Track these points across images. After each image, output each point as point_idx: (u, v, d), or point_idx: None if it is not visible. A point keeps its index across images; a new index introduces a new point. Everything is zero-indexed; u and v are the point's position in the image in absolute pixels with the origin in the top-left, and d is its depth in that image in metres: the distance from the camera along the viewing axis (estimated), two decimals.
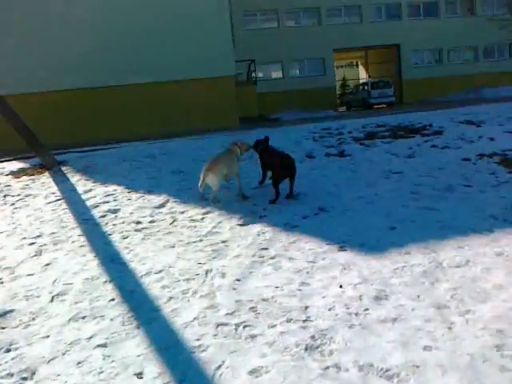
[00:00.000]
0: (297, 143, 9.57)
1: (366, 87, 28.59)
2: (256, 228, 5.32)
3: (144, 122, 16.47)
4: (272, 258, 4.57)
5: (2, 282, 4.30)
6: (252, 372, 2.92)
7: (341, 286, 3.93)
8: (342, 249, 4.68)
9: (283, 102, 27.39)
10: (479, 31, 30.74)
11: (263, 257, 4.60)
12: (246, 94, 20.78)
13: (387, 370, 2.84)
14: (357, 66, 40.73)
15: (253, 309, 3.66)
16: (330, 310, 3.58)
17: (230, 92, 17.96)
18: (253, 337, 3.30)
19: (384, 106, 27.10)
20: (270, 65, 30.33)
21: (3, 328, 3.59)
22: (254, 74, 24.73)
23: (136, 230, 5.44)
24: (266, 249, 4.78)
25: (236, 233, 5.24)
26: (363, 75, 37.47)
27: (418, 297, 3.68)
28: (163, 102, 16.90)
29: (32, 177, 7.87)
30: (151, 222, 5.70)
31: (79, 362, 3.10)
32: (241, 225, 5.43)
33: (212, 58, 17.25)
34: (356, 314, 3.49)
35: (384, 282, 3.95)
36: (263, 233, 5.20)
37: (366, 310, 3.54)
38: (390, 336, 3.19)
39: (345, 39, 30.87)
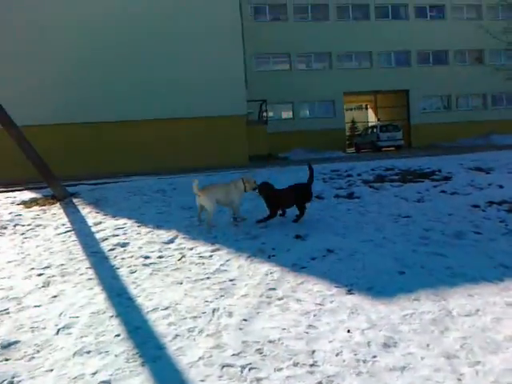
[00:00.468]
0: None
1: (375, 130, 28.95)
2: (264, 267, 5.30)
3: (155, 158, 16.75)
4: (279, 298, 4.54)
5: (9, 313, 4.29)
6: None
7: (348, 331, 3.88)
8: (350, 292, 4.64)
9: (293, 141, 27.77)
10: (487, 79, 31.29)
11: (271, 297, 4.57)
12: (256, 133, 21.13)
13: None
14: (366, 108, 41.40)
15: (259, 350, 3.61)
16: (337, 355, 3.53)
17: (241, 131, 18.28)
18: (258, 380, 3.25)
19: (392, 149, 27.33)
20: (280, 105, 30.93)
21: (7, 360, 3.56)
22: (265, 114, 25.16)
23: (144, 265, 5.45)
24: (274, 289, 4.76)
25: (244, 271, 5.22)
26: (372, 118, 38.00)
27: (428, 345, 3.62)
28: (174, 139, 17.24)
29: (43, 207, 7.95)
30: (159, 257, 5.71)
31: None
32: (249, 263, 5.42)
33: (225, 97, 17.67)
34: (364, 361, 3.43)
35: (393, 328, 3.90)
36: (271, 273, 5.18)
37: (374, 356, 3.49)
38: None
39: (355, 83, 31.55)
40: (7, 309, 4.37)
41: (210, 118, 17.59)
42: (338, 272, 5.15)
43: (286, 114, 31.81)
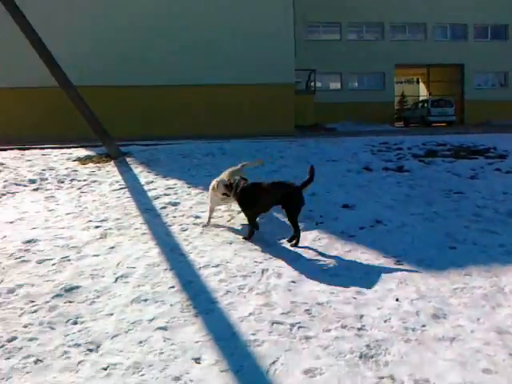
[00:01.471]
0: (353, 155, 9.53)
1: (425, 105, 28.00)
2: (312, 234, 5.35)
3: (203, 123, 16.87)
4: (327, 264, 4.59)
5: (70, 260, 4.53)
6: (306, 372, 2.96)
7: (397, 300, 3.90)
8: (398, 263, 4.64)
9: (340, 112, 27.27)
10: None
11: (319, 262, 4.64)
12: (303, 103, 20.88)
13: None
14: (417, 82, 40.00)
15: (308, 311, 3.69)
16: (385, 321, 3.56)
17: (289, 99, 18.10)
18: (307, 338, 3.33)
19: (443, 124, 26.44)
20: (329, 75, 30.28)
21: (70, 302, 3.79)
22: (313, 84, 24.78)
23: (195, 224, 5.60)
24: (322, 255, 4.81)
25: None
26: (423, 92, 36.73)
27: (478, 319, 3.60)
28: (223, 105, 17.28)
29: (98, 164, 8.24)
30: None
31: (141, 342, 3.25)
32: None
33: (274, 65, 17.51)
34: (413, 329, 3.45)
35: (442, 300, 3.88)
36: (319, 239, 5.23)
37: (423, 326, 3.50)
38: (448, 355, 3.14)
39: (407, 55, 30.44)
40: (68, 256, 4.62)
41: (258, 86, 17.49)
42: (386, 243, 5.14)
43: (334, 85, 31.18)
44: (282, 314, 3.65)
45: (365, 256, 4.79)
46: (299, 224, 5.13)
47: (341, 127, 22.71)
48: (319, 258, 4.74)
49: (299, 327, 3.47)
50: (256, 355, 3.13)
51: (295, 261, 4.64)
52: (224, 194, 5.34)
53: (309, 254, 4.80)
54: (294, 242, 5.07)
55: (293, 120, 18.18)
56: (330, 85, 31.21)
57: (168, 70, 17.12)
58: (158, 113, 17.08)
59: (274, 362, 3.05)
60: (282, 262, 4.60)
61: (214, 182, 5.56)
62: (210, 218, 5.66)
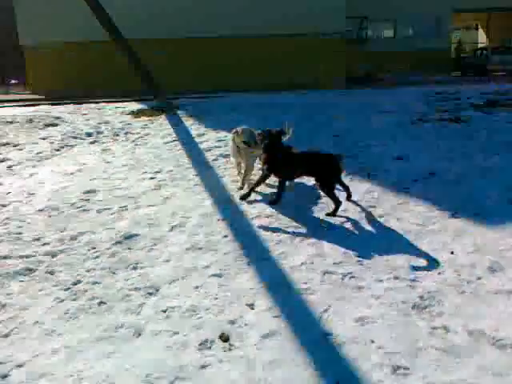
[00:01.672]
0: (407, 105, 9.20)
1: (485, 52, 26.32)
2: (364, 186, 5.29)
3: (253, 75, 16.61)
4: (380, 216, 4.55)
5: (127, 210, 4.72)
6: (358, 320, 3.00)
7: (452, 253, 3.84)
8: (453, 216, 4.53)
9: (393, 62, 26.11)
10: None
11: (371, 214, 4.60)
12: (354, 53, 20.11)
13: (500, 340, 2.77)
14: (476, 28, 37.46)
15: (359, 262, 3.71)
16: (439, 273, 3.53)
17: (339, 49, 17.49)
18: (359, 288, 3.36)
19: (503, 74, 24.87)
20: (381, 23, 28.82)
21: (130, 249, 3.98)
22: (364, 32, 23.76)
23: None
24: (374, 207, 4.76)
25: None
26: (482, 39, 34.45)
27: None
28: (274, 57, 16.91)
29: (150, 118, 8.39)
30: (259, 170, 5.87)
31: (197, 287, 3.38)
32: (349, 181, 5.42)
33: (323, 14, 16.86)
34: (468, 282, 3.40)
35: (500, 254, 3.78)
36: (371, 191, 5.16)
37: (479, 278, 3.44)
38: (505, 308, 3.09)
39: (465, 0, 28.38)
40: (126, 206, 4.81)
41: (309, 35, 16.96)
42: (441, 195, 5.01)
43: (387, 33, 29.72)
44: (334, 264, 3.69)
45: (418, 208, 4.71)
46: (349, 178, 5.07)
47: (394, 77, 21.83)
48: (371, 210, 4.69)
49: (351, 277, 3.50)
50: (308, 303, 3.20)
51: (346, 212, 4.63)
52: (246, 143, 4.82)
53: (360, 207, 4.76)
54: (331, 211, 4.55)
55: (344, 71, 17.62)
56: (383, 33, 29.78)
57: (219, 22, 16.84)
58: (208, 66, 16.97)
59: (325, 310, 3.11)
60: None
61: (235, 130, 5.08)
62: (243, 179, 5.14)
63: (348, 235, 4.16)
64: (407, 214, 4.57)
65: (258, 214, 4.60)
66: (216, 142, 6.97)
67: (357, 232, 4.23)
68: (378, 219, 4.48)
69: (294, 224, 4.37)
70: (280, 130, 4.87)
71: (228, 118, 8.23)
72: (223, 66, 16.85)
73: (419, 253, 3.83)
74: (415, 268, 3.61)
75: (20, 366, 2.61)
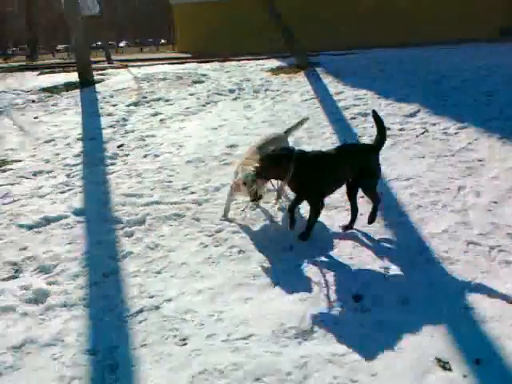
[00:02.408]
0: None
1: None
2: None
3: (397, 29, 15.57)
4: None
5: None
6: (504, 297, 2.79)
7: None
8: None
9: None
10: None
11: None
12: None
13: None
14: None
15: (510, 235, 3.41)
16: None
17: None
18: (508, 263, 3.11)
19: None
20: None
21: (267, 202, 4.12)
22: None
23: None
24: None
25: (494, 153, 4.81)
26: None
27: None
28: (414, 7, 15.59)
29: (289, 75, 8.43)
30: (401, 129, 5.63)
31: (333, 244, 3.41)
32: (501, 145, 4.95)
33: None
34: None
35: None
36: None
37: None
38: None
39: None
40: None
41: None
42: None
43: None
44: (480, 234, 3.44)
45: None
46: (502, 141, 4.59)
47: None
48: None
49: (499, 250, 3.24)
50: (449, 273, 3.05)
51: (496, 180, 4.25)
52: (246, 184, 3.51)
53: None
54: (372, 218, 3.61)
55: (499, 21, 15.60)
56: None
57: None
58: (346, 22, 16.31)
59: (467, 283, 2.94)
60: (481, 180, 4.25)
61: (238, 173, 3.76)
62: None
63: (498, 205, 3.83)
64: None
65: (397, 176, 4.45)
66: (354, 100, 6.79)
67: (508, 202, 3.86)
68: None
69: (436, 189, 4.14)
70: (282, 148, 3.56)
71: (367, 76, 7.93)
72: (365, 22, 16.02)
73: None
74: None
75: (169, 300, 2.92)
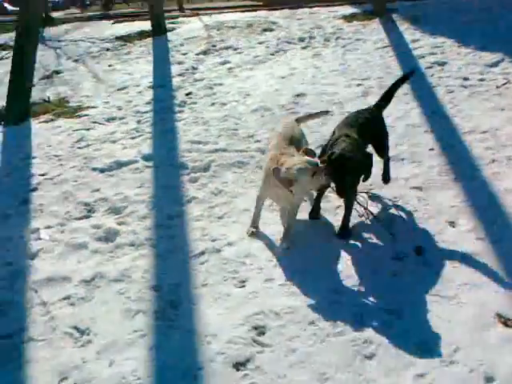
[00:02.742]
0: None
1: None
2: None
3: None
4: None
5: (333, 115, 4.73)
6: None
7: None
8: None
9: None
10: None
11: None
12: None
13: None
14: None
15: None
16: None
17: None
18: None
19: None
20: None
21: None
22: None
23: (462, 86, 5.12)
24: None
25: None
26: None
27: None
28: None
29: (363, 22, 8.03)
30: (480, 80, 5.25)
31: (395, 197, 3.33)
32: None
33: None
34: None
35: None
36: None
37: None
38: None
39: None
40: (332, 111, 4.77)
41: None
42: None
43: None
44: None
45: None
46: None
47: None
48: None
49: None
50: None
51: None
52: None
53: None
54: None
55: None
56: None
57: None
58: None
59: None
60: None
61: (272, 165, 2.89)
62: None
63: None
64: None
65: (472, 128, 4.20)
66: (431, 48, 6.38)
67: None
68: None
69: None
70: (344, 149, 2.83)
71: (447, 23, 7.37)
72: None
73: None
74: None
75: (230, 244, 3.01)
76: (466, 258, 2.69)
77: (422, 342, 2.18)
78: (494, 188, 3.34)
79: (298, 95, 5.35)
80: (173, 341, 2.30)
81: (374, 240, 2.96)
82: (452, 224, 3.01)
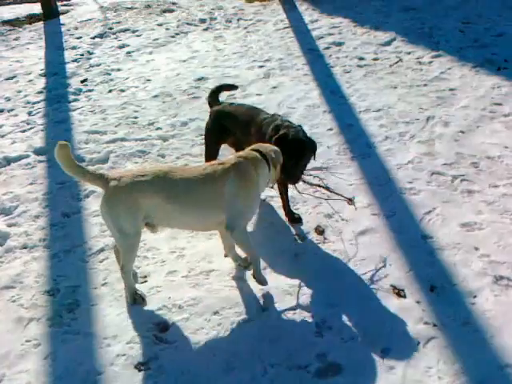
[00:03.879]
0: None
1: None
2: (491, 80, 4.71)
3: None
4: (505, 115, 4.08)
5: (235, 99, 4.72)
6: (464, 225, 2.84)
7: None
8: None
9: None
10: None
11: (495, 112, 4.13)
12: None
13: None
14: None
15: (474, 164, 3.42)
16: None
17: None
18: (470, 192, 3.13)
19: None
20: None
21: None
22: None
23: (358, 66, 5.30)
24: (500, 104, 4.26)
25: (467, 82, 4.72)
26: None
27: None
28: None
29: (263, 3, 8.01)
30: (375, 59, 5.46)
31: None
32: (474, 74, 4.86)
33: None
34: None
35: None
36: (499, 86, 4.59)
37: None
38: None
39: None
40: (234, 94, 4.73)
41: None
42: None
43: None
44: (445, 164, 3.44)
45: None
46: (475, 70, 4.49)
47: None
48: (496, 108, 4.20)
49: (462, 180, 3.26)
50: (410, 203, 3.08)
51: (466, 109, 4.20)
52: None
53: (483, 103, 4.28)
54: None
55: None
56: None
57: None
58: None
59: (428, 212, 2.97)
60: (450, 110, 4.20)
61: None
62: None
63: (465, 135, 3.81)
64: None
65: (368, 107, 4.37)
66: (329, 28, 6.52)
67: (475, 132, 3.85)
68: (503, 119, 4.01)
69: (406, 120, 4.09)
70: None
71: (345, 2, 7.54)
72: None
73: None
74: None
75: None
76: (362, 234, 2.81)
77: (322, 321, 2.25)
78: (388, 164, 3.51)
79: (199, 79, 5.24)
80: (70, 347, 2.18)
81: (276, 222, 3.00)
82: (350, 202, 3.11)
